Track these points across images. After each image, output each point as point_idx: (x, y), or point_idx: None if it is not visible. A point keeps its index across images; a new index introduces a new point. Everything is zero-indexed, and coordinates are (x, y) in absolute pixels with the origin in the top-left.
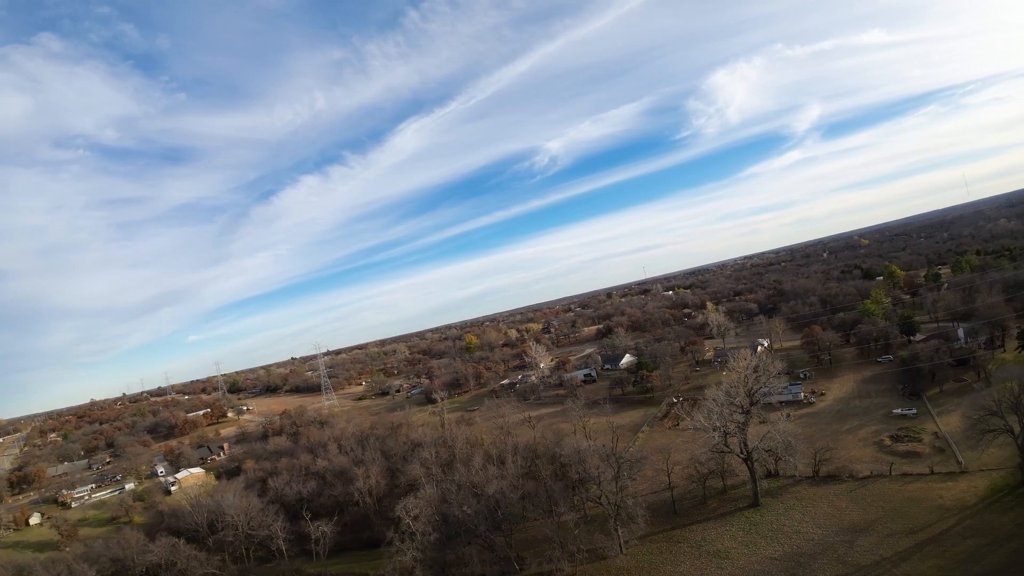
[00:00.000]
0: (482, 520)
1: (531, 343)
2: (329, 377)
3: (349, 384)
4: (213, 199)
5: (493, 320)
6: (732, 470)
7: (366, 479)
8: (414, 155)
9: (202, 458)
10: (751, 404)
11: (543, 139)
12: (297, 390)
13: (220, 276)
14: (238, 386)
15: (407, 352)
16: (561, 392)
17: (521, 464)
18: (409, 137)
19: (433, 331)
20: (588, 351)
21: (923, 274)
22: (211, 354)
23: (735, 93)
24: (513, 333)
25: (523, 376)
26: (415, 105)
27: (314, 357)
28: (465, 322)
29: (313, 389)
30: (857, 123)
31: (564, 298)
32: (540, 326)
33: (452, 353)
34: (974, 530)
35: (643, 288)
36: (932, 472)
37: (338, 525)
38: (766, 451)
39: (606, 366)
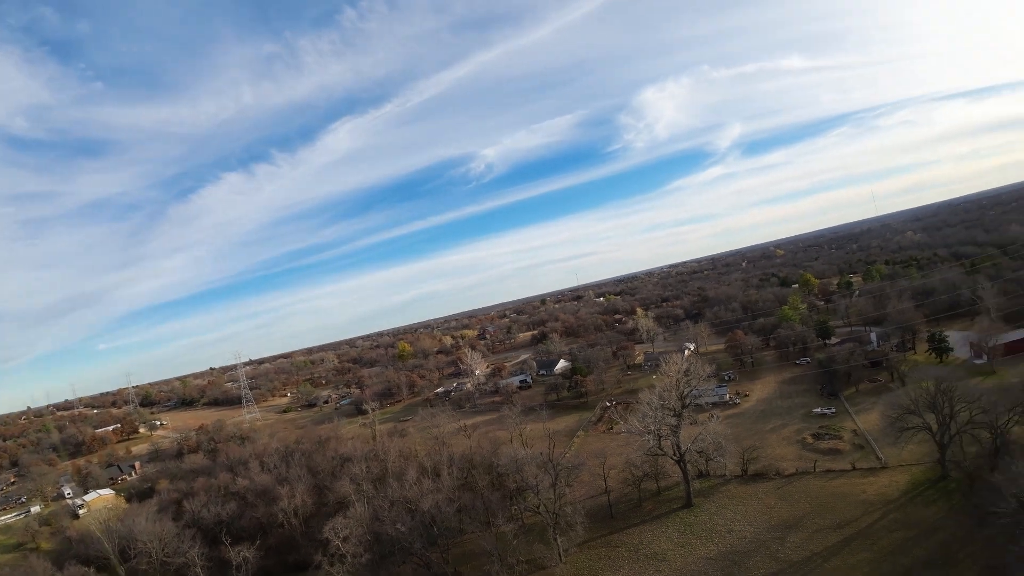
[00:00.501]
0: (417, 537)
1: (466, 350)
2: (251, 388)
3: (273, 396)
4: (128, 195)
5: (427, 327)
6: (665, 472)
7: (291, 498)
8: (347, 156)
9: (112, 478)
10: (683, 407)
11: (479, 146)
12: (216, 403)
13: (134, 279)
14: (151, 399)
15: (336, 361)
16: (497, 399)
17: (457, 476)
18: (342, 137)
19: (364, 338)
20: (523, 357)
21: (836, 282)
22: (123, 364)
23: (663, 110)
24: (448, 340)
25: (458, 384)
26: (349, 104)
27: (234, 367)
28: (398, 329)
29: (233, 402)
30: (775, 142)
31: (499, 304)
32: (475, 332)
33: (384, 361)
34: (899, 523)
35: (576, 294)
36: (854, 468)
37: (261, 549)
38: (697, 452)
39: (541, 372)
